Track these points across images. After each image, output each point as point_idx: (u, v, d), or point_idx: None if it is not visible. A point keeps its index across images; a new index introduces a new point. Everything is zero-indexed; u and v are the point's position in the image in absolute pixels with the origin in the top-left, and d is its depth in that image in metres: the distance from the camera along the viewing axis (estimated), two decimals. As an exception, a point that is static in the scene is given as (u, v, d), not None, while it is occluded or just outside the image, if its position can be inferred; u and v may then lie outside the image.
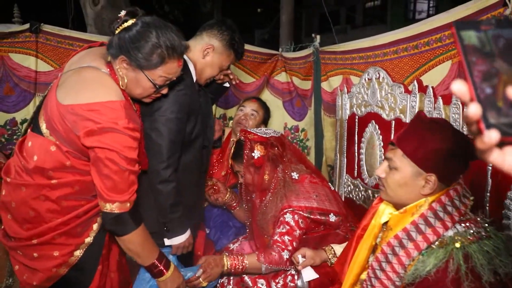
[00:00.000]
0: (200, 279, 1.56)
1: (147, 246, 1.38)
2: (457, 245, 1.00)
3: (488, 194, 1.30)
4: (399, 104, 1.80)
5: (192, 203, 1.76)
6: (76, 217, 1.33)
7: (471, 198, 1.10)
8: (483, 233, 1.01)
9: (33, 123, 1.35)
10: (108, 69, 1.29)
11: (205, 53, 1.62)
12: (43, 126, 1.27)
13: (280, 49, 3.65)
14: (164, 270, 1.42)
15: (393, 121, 1.84)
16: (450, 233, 1.03)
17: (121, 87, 1.29)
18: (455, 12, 1.84)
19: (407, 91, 1.77)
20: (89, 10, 4.13)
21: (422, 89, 1.67)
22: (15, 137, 2.85)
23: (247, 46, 3.34)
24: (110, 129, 1.18)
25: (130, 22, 1.25)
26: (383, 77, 1.93)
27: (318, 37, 2.99)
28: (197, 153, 1.68)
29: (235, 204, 2.01)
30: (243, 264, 1.58)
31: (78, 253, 1.38)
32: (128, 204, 1.27)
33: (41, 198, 1.29)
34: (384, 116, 1.89)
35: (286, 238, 1.60)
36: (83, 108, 1.18)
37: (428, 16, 15.98)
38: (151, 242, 1.40)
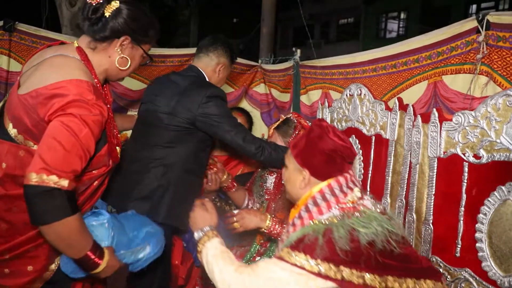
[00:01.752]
0: (235, 218, 1.60)
1: (82, 235, 1.17)
2: (324, 222, 1.14)
3: (463, 208, 1.36)
4: (379, 120, 1.86)
5: (189, 206, 1.76)
6: None
7: (356, 188, 1.22)
8: (356, 214, 1.13)
9: None
10: (79, 55, 1.25)
11: (218, 71, 1.88)
12: (10, 127, 1.20)
13: (259, 61, 3.70)
14: (99, 261, 1.20)
15: (373, 137, 1.89)
16: (325, 216, 1.15)
17: (119, 67, 1.32)
18: (431, 36, 1.96)
19: (388, 108, 1.83)
20: (65, 11, 4.03)
21: (403, 107, 1.74)
22: (-19, 138, 2.70)
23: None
24: (77, 101, 1.12)
25: (113, 5, 1.25)
26: (364, 94, 1.99)
27: (298, 51, 3.06)
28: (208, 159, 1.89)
29: (232, 185, 2.03)
30: (281, 231, 1.62)
31: (54, 266, 1.29)
32: (67, 183, 1.09)
33: (14, 209, 1.20)
34: (364, 131, 1.95)
35: None
36: (48, 88, 1.12)
37: (398, 35, 16.73)
38: (86, 231, 1.20)
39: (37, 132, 1.15)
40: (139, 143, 1.79)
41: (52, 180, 1.07)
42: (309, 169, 1.23)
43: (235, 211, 1.62)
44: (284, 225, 1.64)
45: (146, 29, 1.33)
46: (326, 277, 1.02)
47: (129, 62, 1.34)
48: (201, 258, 1.29)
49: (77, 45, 1.27)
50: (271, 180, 2.01)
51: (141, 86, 3.12)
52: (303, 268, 1.03)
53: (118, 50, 1.30)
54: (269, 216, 1.66)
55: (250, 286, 1.10)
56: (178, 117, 1.70)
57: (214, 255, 1.24)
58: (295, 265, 1.04)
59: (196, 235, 1.37)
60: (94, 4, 1.23)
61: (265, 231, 1.65)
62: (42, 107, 1.12)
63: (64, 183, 1.08)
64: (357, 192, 1.22)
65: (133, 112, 3.16)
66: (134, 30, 1.29)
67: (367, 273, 1.03)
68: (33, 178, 1.06)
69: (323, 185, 1.21)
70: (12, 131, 1.19)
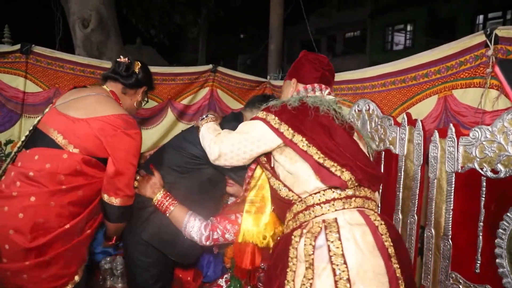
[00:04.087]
0: (138, 177, 1.74)
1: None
2: None
3: (481, 224, 1.35)
4: (388, 135, 1.86)
5: (180, 237, 1.75)
6: (81, 221, 1.58)
7: (326, 92, 1.54)
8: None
9: (36, 141, 1.61)
10: (113, 96, 1.76)
11: None
12: (59, 138, 1.56)
13: (268, 77, 3.74)
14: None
15: (383, 152, 1.90)
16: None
17: (135, 107, 1.89)
18: (439, 50, 1.96)
19: (397, 123, 1.84)
20: (78, 32, 4.12)
21: (411, 122, 1.74)
22: (-3, 158, 2.76)
23: (236, 73, 3.44)
24: (126, 135, 1.60)
25: (138, 64, 1.82)
26: (373, 109, 2.00)
27: (306, 67, 3.08)
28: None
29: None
30: (169, 209, 1.69)
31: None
32: (131, 199, 1.67)
33: (51, 204, 1.48)
34: (374, 147, 1.95)
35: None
36: (110, 117, 1.60)
37: (405, 47, 16.76)
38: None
39: (88, 143, 1.57)
40: (155, 159, 1.85)
41: (125, 201, 1.64)
42: (295, 77, 1.60)
43: (230, 201, 1.70)
44: (174, 202, 1.71)
45: (153, 82, 1.93)
46: (267, 123, 1.38)
47: (142, 105, 1.93)
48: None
49: (109, 89, 1.77)
50: (231, 199, 2.02)
51: (151, 103, 3.17)
52: (263, 119, 1.41)
53: (139, 96, 1.86)
54: (161, 192, 1.71)
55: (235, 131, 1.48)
56: (197, 148, 1.71)
57: (206, 128, 1.64)
58: (258, 117, 1.43)
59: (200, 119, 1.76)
60: (126, 62, 1.79)
61: (155, 202, 1.72)
62: (100, 131, 1.57)
63: (131, 200, 1.68)
64: (326, 95, 1.51)
65: (144, 130, 3.21)
66: (149, 82, 1.88)
67: (298, 134, 1.33)
68: (121, 201, 1.61)
69: (301, 86, 1.56)
70: (62, 141, 1.55)
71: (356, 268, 1.12)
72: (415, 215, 1.63)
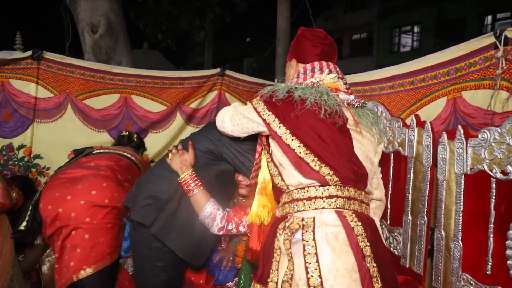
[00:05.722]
0: (173, 150, 1.77)
1: None
2: None
3: (492, 225, 1.34)
4: (397, 137, 1.86)
5: (187, 233, 1.76)
6: (120, 210, 2.06)
7: (326, 71, 1.50)
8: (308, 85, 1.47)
9: (107, 151, 2.39)
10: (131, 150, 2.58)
11: None
12: (125, 154, 2.40)
13: (275, 80, 3.75)
14: None
15: (392, 154, 1.89)
16: None
17: (139, 157, 2.61)
18: (448, 52, 1.96)
19: (405, 125, 1.83)
20: (87, 38, 4.18)
21: (420, 124, 1.74)
22: (10, 162, 2.81)
23: (244, 76, 3.46)
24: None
25: (134, 136, 2.75)
26: (381, 111, 2.00)
27: (314, 69, 3.09)
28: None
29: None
30: (193, 191, 1.68)
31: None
32: None
33: (114, 195, 2.06)
34: (383, 140, 1.95)
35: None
36: (142, 159, 2.61)
37: (412, 49, 16.66)
38: None
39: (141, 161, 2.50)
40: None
41: None
42: (295, 57, 1.60)
43: (179, 146, 1.78)
44: (200, 185, 1.69)
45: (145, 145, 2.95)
46: (258, 113, 1.44)
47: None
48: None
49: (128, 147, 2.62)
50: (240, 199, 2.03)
51: (160, 107, 3.21)
52: (255, 108, 1.45)
53: (139, 154, 2.69)
54: (189, 171, 1.71)
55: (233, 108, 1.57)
56: (211, 141, 1.73)
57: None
58: (252, 104, 1.48)
59: None
60: (127, 135, 2.71)
61: (181, 179, 1.72)
62: (142, 164, 2.47)
63: None
64: (327, 75, 1.49)
65: (154, 134, 3.24)
66: (144, 146, 2.89)
67: (283, 126, 1.36)
68: None
69: (301, 67, 1.56)
70: (127, 155, 2.39)
71: (328, 266, 1.21)
72: (425, 216, 1.63)
